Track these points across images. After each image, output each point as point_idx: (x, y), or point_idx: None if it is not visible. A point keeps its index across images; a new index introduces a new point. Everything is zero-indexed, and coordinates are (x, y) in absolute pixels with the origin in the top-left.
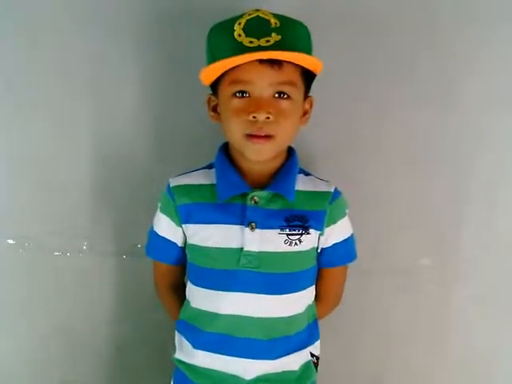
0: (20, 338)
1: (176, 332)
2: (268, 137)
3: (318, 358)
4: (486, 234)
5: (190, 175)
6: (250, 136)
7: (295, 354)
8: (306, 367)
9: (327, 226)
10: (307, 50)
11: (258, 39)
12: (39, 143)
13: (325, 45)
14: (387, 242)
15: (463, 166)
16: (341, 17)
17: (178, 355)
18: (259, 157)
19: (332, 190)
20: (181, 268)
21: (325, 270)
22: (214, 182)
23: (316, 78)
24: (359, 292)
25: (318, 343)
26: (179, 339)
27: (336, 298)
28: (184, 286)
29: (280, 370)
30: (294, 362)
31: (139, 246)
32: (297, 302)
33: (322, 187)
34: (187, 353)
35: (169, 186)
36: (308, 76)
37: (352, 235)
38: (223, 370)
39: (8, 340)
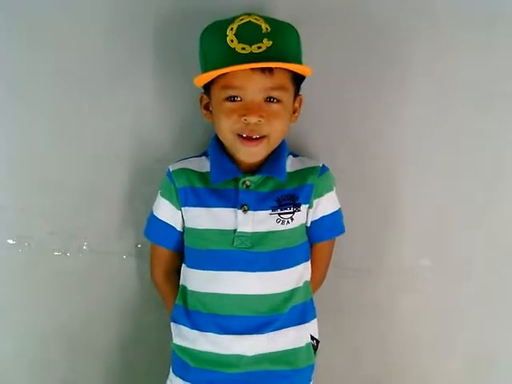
0: (20, 338)
1: (172, 323)
2: (260, 138)
3: (318, 342)
4: (486, 234)
5: (188, 161)
6: (242, 138)
7: (293, 329)
8: (305, 349)
9: (315, 198)
10: (297, 54)
11: (250, 45)
12: (39, 143)
13: (322, 43)
14: (387, 242)
15: (463, 166)
16: (337, 14)
17: (176, 340)
18: (251, 159)
19: (320, 165)
20: (177, 254)
21: (314, 245)
22: (208, 169)
23: (314, 75)
24: (359, 292)
25: (315, 322)
26: (176, 327)
27: (323, 275)
28: (179, 273)
29: (280, 349)
30: (293, 340)
31: (139, 246)
32: (293, 277)
33: (309, 163)
34: (186, 338)
35: (169, 170)
36: (298, 78)
37: (339, 209)
38: (223, 352)
39: (8, 340)
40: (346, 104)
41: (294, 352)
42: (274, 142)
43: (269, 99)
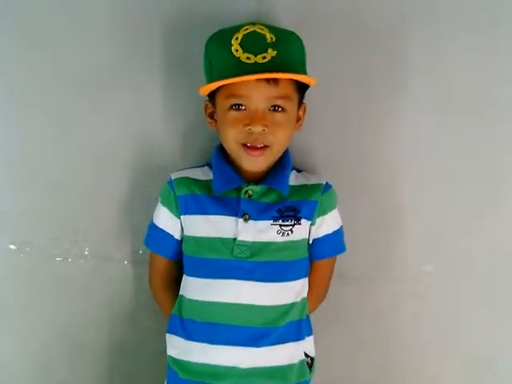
0: (21, 342)
1: (166, 334)
2: (264, 147)
3: (312, 360)
4: (488, 240)
5: (190, 170)
6: (247, 147)
7: (289, 346)
8: (299, 366)
9: (318, 216)
10: (302, 63)
11: (255, 55)
12: (40, 146)
13: (323, 49)
14: (390, 248)
15: (464, 171)
16: (337, 21)
17: (169, 351)
18: (255, 168)
19: (323, 183)
20: (176, 264)
21: (315, 262)
22: (211, 177)
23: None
24: (362, 298)
25: (311, 340)
26: (170, 338)
27: (324, 292)
28: (178, 284)
29: (273, 364)
30: (288, 356)
31: (140, 252)
32: (291, 292)
33: (313, 180)
34: (178, 348)
35: (170, 178)
36: (302, 86)
37: (341, 227)
38: (215, 363)
39: (9, 344)
40: (345, 110)
41: (287, 368)
42: (276, 152)
43: (273, 108)
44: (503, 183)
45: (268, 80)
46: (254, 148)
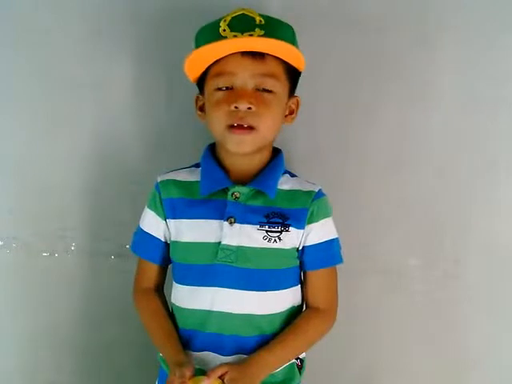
0: (7, 339)
1: None
2: (250, 128)
3: (302, 361)
4: (474, 234)
5: (177, 172)
6: (232, 127)
7: None
8: (288, 369)
9: (309, 223)
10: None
11: (242, 33)
12: (26, 144)
13: (312, 44)
14: (375, 242)
15: (451, 166)
16: (328, 15)
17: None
18: (240, 148)
19: (316, 190)
20: (162, 271)
21: (308, 273)
22: (198, 178)
23: (303, 78)
24: (347, 292)
25: None
26: None
27: (326, 306)
28: (163, 297)
29: None
30: None
31: (127, 246)
32: (276, 301)
33: (306, 186)
34: None
35: (156, 181)
36: (293, 74)
37: (337, 239)
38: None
39: None
40: (334, 104)
41: (274, 374)
42: (263, 136)
43: (261, 89)
44: (491, 178)
45: (254, 56)
46: (240, 127)
